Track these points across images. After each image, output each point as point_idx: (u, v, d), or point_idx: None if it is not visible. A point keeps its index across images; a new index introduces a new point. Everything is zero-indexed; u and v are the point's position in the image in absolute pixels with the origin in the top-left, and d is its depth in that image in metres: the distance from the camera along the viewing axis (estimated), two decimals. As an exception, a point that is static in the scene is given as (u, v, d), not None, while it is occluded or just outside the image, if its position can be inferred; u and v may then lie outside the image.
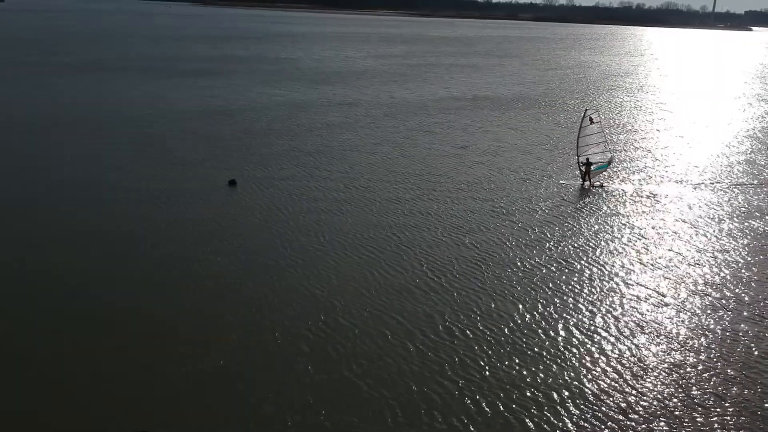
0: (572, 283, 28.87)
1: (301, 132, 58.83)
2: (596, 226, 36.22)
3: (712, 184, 46.20)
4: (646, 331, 24.94)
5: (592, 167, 44.02)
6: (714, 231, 36.40)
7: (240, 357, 22.18)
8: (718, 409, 20.46)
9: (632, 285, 28.91)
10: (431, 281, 28.45)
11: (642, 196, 42.10)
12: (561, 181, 44.74)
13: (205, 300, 26.01)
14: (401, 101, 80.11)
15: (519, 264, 30.61)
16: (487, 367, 22.15)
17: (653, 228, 36.25)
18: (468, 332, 24.33)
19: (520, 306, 26.51)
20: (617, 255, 32.28)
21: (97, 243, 31.21)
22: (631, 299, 27.53)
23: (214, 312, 25.05)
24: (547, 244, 33.19)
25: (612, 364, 22.67)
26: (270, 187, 41.28)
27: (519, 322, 25.24)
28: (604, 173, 45.22)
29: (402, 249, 31.85)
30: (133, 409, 19.38)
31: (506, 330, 24.59)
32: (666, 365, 22.75)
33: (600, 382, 21.61)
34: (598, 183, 44.05)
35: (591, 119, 44.84)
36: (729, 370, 22.57)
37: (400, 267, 29.74)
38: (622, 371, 22.26)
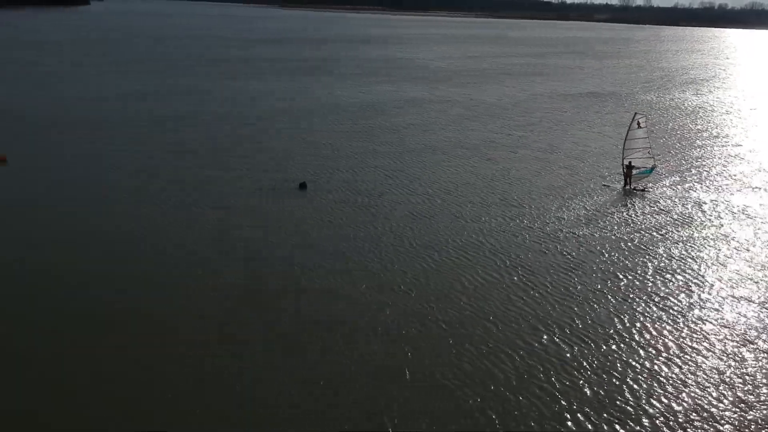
0: (671, 294, 27.95)
1: (378, 133, 59.10)
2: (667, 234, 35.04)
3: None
4: (750, 347, 23.89)
5: (634, 171, 43.78)
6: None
7: (339, 360, 22.21)
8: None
9: (732, 298, 27.85)
10: (527, 288, 27.99)
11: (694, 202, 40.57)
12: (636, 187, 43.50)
13: (307, 304, 26.19)
14: (479, 102, 79.54)
15: (613, 272, 29.86)
16: (584, 378, 21.63)
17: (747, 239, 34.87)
18: (566, 342, 23.82)
19: (617, 318, 25.80)
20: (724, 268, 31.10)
21: (179, 242, 31.98)
22: (733, 313, 26.54)
23: (314, 316, 25.20)
24: (639, 253, 32.29)
25: (715, 380, 21.83)
26: (344, 189, 41.23)
27: (617, 333, 24.55)
28: (648, 178, 44.69)
29: (494, 254, 31.47)
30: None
31: (603, 342, 23.95)
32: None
33: (704, 397, 20.83)
34: (641, 187, 43.53)
35: (639, 123, 44.54)
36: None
37: (494, 273, 29.38)
38: (724, 386, 21.39)
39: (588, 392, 20.92)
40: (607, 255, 31.94)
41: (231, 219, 35.06)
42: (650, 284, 28.87)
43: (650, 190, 43.35)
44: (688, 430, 19.36)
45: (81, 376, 20.91)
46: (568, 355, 22.98)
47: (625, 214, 38.49)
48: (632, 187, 43.53)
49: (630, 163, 43.81)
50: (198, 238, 32.14)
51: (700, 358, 23.08)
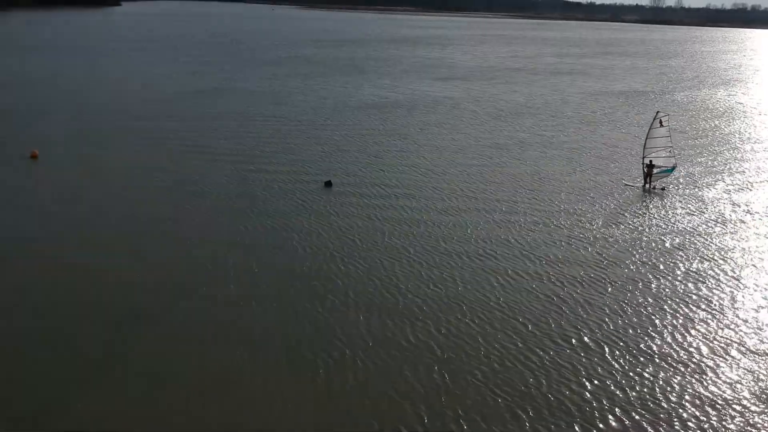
0: (704, 295, 27.56)
1: (407, 132, 59.02)
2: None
3: None
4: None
5: (655, 170, 43.46)
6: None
7: (368, 356, 22.18)
8: None
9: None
10: (558, 288, 27.74)
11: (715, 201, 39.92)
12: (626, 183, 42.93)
13: (336, 302, 26.20)
14: (510, 102, 79.19)
15: (644, 273, 29.50)
16: (616, 380, 21.36)
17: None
18: (599, 343, 23.55)
19: (650, 320, 25.47)
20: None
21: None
22: None
23: (344, 314, 25.23)
24: (667, 254, 31.91)
25: (752, 385, 21.45)
26: (371, 188, 41.02)
27: (652, 335, 24.25)
28: (670, 177, 44.39)
29: (524, 255, 31.22)
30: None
31: (637, 344, 23.66)
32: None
33: (741, 402, 20.47)
34: (660, 186, 43.18)
35: (661, 122, 44.11)
36: None
37: (525, 272, 29.15)
38: (763, 389, 20.99)
39: (621, 394, 20.64)
40: (636, 256, 31.58)
41: (255, 217, 35.05)
42: (682, 286, 28.50)
43: (670, 189, 42.97)
44: (725, 433, 19.12)
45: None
46: (602, 356, 22.72)
47: (648, 214, 38.07)
48: (652, 186, 43.24)
49: (650, 162, 43.47)
50: (220, 237, 32.13)
51: (735, 360, 22.70)
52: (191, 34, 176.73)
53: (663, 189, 43.06)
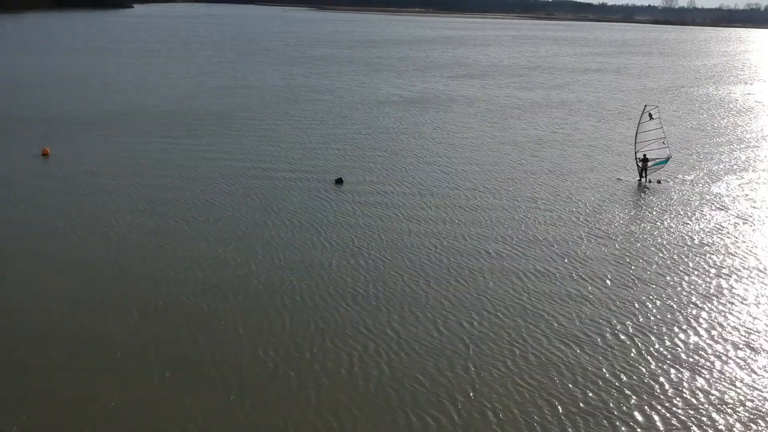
0: (730, 291, 27.13)
1: (422, 129, 58.80)
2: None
3: None
4: None
5: (650, 163, 43.27)
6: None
7: (398, 348, 21.97)
8: None
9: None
10: (584, 282, 27.43)
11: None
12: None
13: (351, 301, 25.97)
14: (525, 100, 78.71)
15: (666, 270, 29.14)
16: (648, 372, 21.02)
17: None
18: (629, 341, 23.24)
19: (676, 314, 25.14)
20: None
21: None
22: None
23: (363, 312, 25.00)
24: (689, 250, 31.45)
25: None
26: (384, 186, 40.54)
27: (677, 330, 23.94)
28: (663, 169, 44.05)
29: (547, 250, 30.85)
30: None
31: (666, 337, 23.35)
32: None
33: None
34: (656, 179, 42.97)
35: (650, 115, 44.02)
36: None
37: (548, 270, 28.72)
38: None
39: (648, 390, 20.29)
40: (652, 251, 31.20)
41: (267, 214, 34.62)
42: (704, 281, 28.12)
43: (667, 183, 42.73)
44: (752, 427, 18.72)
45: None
46: (629, 352, 22.38)
47: (646, 209, 37.61)
48: (648, 180, 42.97)
49: (644, 156, 43.29)
50: (232, 235, 31.68)
51: (762, 356, 22.31)
52: (204, 35, 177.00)
53: (659, 182, 42.83)
